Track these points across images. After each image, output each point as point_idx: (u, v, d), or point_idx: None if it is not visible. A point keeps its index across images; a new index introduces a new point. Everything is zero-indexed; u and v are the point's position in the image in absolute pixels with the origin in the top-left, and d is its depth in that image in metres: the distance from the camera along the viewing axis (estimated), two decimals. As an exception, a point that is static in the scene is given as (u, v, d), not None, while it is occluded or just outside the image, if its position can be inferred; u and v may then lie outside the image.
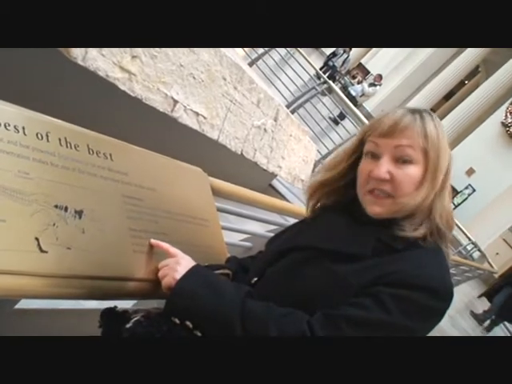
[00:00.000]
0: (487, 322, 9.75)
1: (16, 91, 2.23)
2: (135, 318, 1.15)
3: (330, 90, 8.51)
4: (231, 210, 2.07)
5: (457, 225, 10.15)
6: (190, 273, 1.10)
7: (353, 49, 16.27)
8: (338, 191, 1.23)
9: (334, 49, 15.06)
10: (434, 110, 17.75)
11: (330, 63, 15.15)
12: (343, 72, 16.00)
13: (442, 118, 15.00)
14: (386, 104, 17.48)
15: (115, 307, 1.23)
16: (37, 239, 0.99)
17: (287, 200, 5.76)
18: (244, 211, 2.23)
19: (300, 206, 2.51)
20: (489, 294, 10.07)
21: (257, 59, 8.13)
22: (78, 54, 2.76)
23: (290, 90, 8.30)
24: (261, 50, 8.13)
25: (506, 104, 15.65)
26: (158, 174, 1.40)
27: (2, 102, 1.09)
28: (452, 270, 6.83)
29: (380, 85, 16.94)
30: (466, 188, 15.39)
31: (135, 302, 1.62)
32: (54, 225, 1.03)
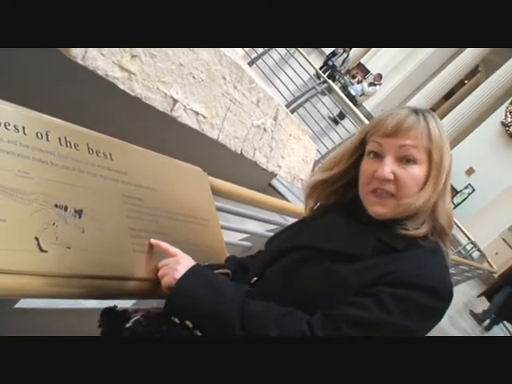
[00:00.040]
0: (487, 322, 9.75)
1: (15, 91, 2.23)
2: (135, 318, 1.15)
3: (330, 90, 8.51)
4: (231, 210, 2.07)
5: (456, 224, 10.16)
6: (190, 272, 1.10)
7: (352, 48, 16.26)
8: (338, 191, 1.23)
9: (334, 48, 15.05)
10: (433, 109, 17.70)
11: (330, 63, 15.14)
12: (343, 71, 15.99)
13: (441, 117, 14.99)
14: (386, 103, 17.48)
15: (115, 307, 1.23)
16: (37, 239, 0.99)
17: (287, 199, 5.76)
18: (243, 211, 2.23)
19: (299, 206, 2.51)
20: (488, 294, 10.06)
21: (256, 59, 8.13)
22: (77, 53, 2.76)
23: (289, 90, 8.30)
24: (260, 50, 8.13)
25: (506, 104, 15.67)
26: (158, 173, 1.40)
27: (2, 101, 1.09)
28: (451, 270, 6.83)
29: (380, 84, 16.94)
30: (466, 187, 15.40)
31: (135, 301, 1.62)
32: (53, 224, 1.03)
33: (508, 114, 15.42)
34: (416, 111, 1.13)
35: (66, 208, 1.07)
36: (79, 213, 1.10)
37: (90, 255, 1.08)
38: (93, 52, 2.84)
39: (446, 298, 1.04)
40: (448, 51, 17.96)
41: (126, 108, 3.33)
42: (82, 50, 2.77)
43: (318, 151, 7.48)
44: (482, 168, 15.18)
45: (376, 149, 1.13)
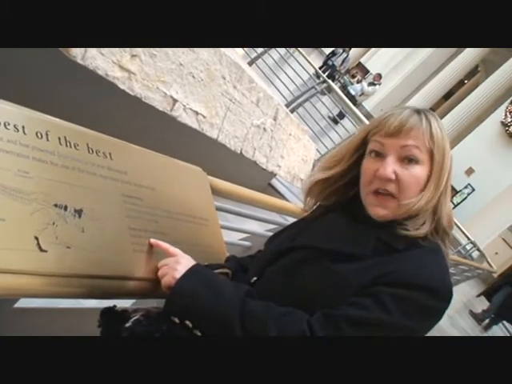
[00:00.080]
0: (486, 322, 9.75)
1: (15, 90, 2.23)
2: (135, 317, 1.15)
3: (330, 89, 8.51)
4: (230, 210, 2.07)
5: (456, 224, 10.16)
6: (190, 272, 1.10)
7: (352, 48, 16.27)
8: (339, 190, 1.23)
9: (334, 48, 15.05)
10: (433, 109, 17.66)
11: (330, 62, 15.14)
12: (342, 71, 15.99)
13: (441, 117, 14.93)
14: (386, 103, 17.50)
15: (114, 306, 1.23)
16: (36, 238, 0.99)
17: (286, 199, 5.76)
18: (243, 210, 2.23)
19: (299, 206, 2.50)
20: (488, 294, 10.07)
21: (256, 58, 8.14)
22: (77, 52, 2.76)
23: (289, 89, 8.31)
24: (260, 49, 8.13)
25: (506, 103, 15.67)
26: (158, 173, 1.40)
27: (2, 100, 1.09)
28: (451, 270, 6.83)
29: (379, 84, 16.94)
30: (466, 187, 15.40)
31: (134, 301, 1.62)
32: (53, 224, 1.03)
33: (508, 113, 15.42)
34: (418, 111, 1.13)
35: (65, 207, 1.07)
36: (79, 212, 1.10)
37: (90, 255, 1.08)
38: (92, 52, 2.84)
39: (446, 297, 1.04)
40: (447, 51, 17.97)
41: (125, 108, 3.33)
42: (82, 49, 2.77)
43: (318, 151, 7.49)
44: (481, 168, 15.18)
45: (378, 148, 1.13)
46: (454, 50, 17.61)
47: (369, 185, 1.13)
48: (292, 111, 7.41)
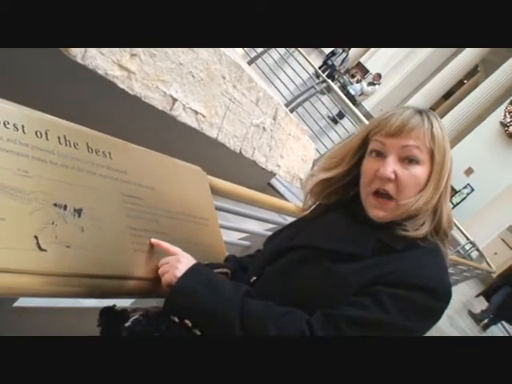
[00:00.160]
0: (485, 322, 9.75)
1: (15, 90, 2.23)
2: (134, 317, 1.15)
3: (329, 89, 8.52)
4: (230, 209, 2.07)
5: (455, 224, 10.15)
6: (191, 271, 1.10)
7: (352, 48, 16.27)
8: (339, 190, 1.23)
9: (333, 48, 15.05)
10: (433, 109, 17.60)
11: (329, 62, 15.14)
12: (342, 71, 16.00)
13: (441, 117, 14.77)
14: (385, 103, 17.50)
15: (114, 306, 1.23)
16: (36, 237, 0.99)
17: (286, 199, 5.76)
18: (243, 210, 2.23)
19: (298, 205, 2.50)
20: (487, 294, 10.07)
21: (256, 58, 8.14)
22: (77, 52, 2.76)
23: (289, 89, 8.31)
24: (260, 49, 8.13)
25: (505, 104, 15.68)
26: (157, 172, 1.40)
27: (2, 100, 1.09)
28: (450, 270, 6.84)
29: (379, 84, 16.95)
30: (465, 187, 15.41)
31: (133, 300, 1.62)
32: (53, 223, 1.03)
33: (507, 113, 15.43)
34: (420, 111, 1.13)
35: (65, 207, 1.07)
36: (78, 212, 1.10)
37: (90, 254, 1.08)
38: (92, 51, 2.84)
39: (445, 298, 1.04)
40: (447, 51, 17.97)
41: (125, 107, 3.33)
42: (82, 49, 2.77)
43: (317, 150, 7.49)
44: (480, 168, 15.19)
45: (379, 148, 1.13)
46: (453, 50, 17.61)
47: (369, 185, 1.13)
48: (291, 111, 7.41)
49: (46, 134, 1.12)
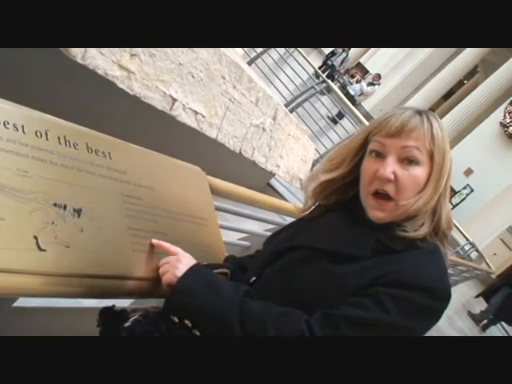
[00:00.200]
0: (484, 322, 9.75)
1: (15, 90, 2.23)
2: (133, 317, 1.15)
3: (329, 89, 8.52)
4: (229, 209, 2.08)
5: (455, 225, 10.10)
6: (191, 271, 1.10)
7: (352, 48, 16.27)
8: (339, 190, 1.23)
9: (333, 48, 15.06)
10: (432, 109, 17.72)
11: (329, 62, 15.14)
12: (342, 71, 15.99)
13: (440, 117, 14.74)
14: (385, 103, 17.52)
15: (113, 306, 1.23)
16: (35, 237, 0.99)
17: (285, 199, 5.76)
18: (242, 210, 2.23)
19: (298, 206, 2.50)
20: (486, 294, 10.07)
21: (256, 58, 8.14)
22: (77, 52, 2.76)
23: (288, 89, 8.31)
24: (260, 49, 8.13)
25: (505, 104, 15.68)
26: (157, 172, 1.40)
27: (1, 100, 1.09)
28: (450, 270, 6.85)
29: (379, 84, 16.96)
30: (464, 188, 15.42)
31: (133, 300, 1.62)
32: (52, 223, 1.03)
33: (507, 114, 15.43)
34: (420, 112, 1.13)
35: (64, 207, 1.07)
36: (78, 212, 1.10)
37: (89, 254, 1.08)
38: (92, 51, 2.84)
39: (444, 298, 1.04)
40: (447, 51, 17.98)
41: (125, 107, 3.33)
42: (82, 49, 2.77)
43: (317, 151, 7.49)
44: (480, 168, 15.19)
45: (378, 148, 1.13)
46: (453, 50, 17.62)
47: (368, 185, 1.13)
48: (291, 111, 7.41)
49: (46, 134, 1.12)
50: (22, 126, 1.08)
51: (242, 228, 2.46)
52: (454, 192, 14.91)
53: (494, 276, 12.47)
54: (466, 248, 12.49)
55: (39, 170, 1.06)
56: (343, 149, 1.23)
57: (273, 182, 6.12)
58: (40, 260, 0.98)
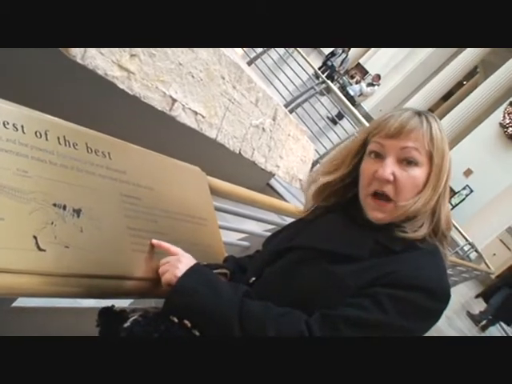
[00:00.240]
0: (483, 323, 9.75)
1: (15, 90, 2.23)
2: (133, 318, 1.15)
3: (329, 90, 8.52)
4: (229, 210, 2.08)
5: (454, 225, 10.12)
6: (191, 271, 1.10)
7: (351, 49, 16.29)
8: (339, 191, 1.23)
9: (333, 48, 15.07)
10: (432, 110, 17.78)
11: (329, 63, 15.16)
12: (342, 72, 16.01)
13: (440, 118, 14.81)
14: (384, 104, 17.53)
15: (113, 306, 1.23)
16: (35, 237, 0.98)
17: (285, 199, 5.76)
18: (242, 210, 2.23)
19: (298, 206, 2.50)
20: (485, 295, 10.07)
21: (255, 58, 8.14)
22: (76, 52, 2.76)
23: (288, 90, 8.31)
24: (259, 50, 8.13)
25: (504, 105, 15.70)
26: (156, 172, 1.40)
27: (1, 100, 1.08)
28: (449, 271, 6.85)
29: (378, 85, 16.97)
30: (464, 188, 15.43)
31: (132, 300, 1.62)
32: (52, 223, 1.03)
33: (506, 115, 15.45)
34: (419, 113, 1.13)
35: (64, 207, 1.07)
36: (78, 212, 1.10)
37: (89, 254, 1.08)
38: (92, 51, 2.84)
39: (444, 299, 1.04)
40: (447, 52, 17.98)
41: (124, 107, 3.33)
42: (82, 49, 2.77)
43: (317, 151, 7.50)
44: (480, 169, 15.20)
45: (377, 149, 1.13)
46: (453, 50, 17.63)
47: (368, 186, 1.13)
48: (291, 111, 7.42)
49: (46, 134, 1.12)
50: (22, 126, 1.08)
51: (241, 228, 2.46)
52: (453, 192, 14.92)
53: (493, 276, 12.49)
54: (466, 248, 12.49)
55: (39, 170, 1.06)
56: (343, 150, 1.23)
57: (272, 182, 6.12)
58: (39, 260, 0.98)
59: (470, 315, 10.05)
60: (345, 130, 8.56)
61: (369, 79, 17.71)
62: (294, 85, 8.43)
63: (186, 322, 1.06)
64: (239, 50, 7.57)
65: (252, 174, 5.16)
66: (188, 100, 3.70)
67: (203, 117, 3.93)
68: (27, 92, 2.58)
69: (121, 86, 3.12)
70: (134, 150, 1.37)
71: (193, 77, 3.66)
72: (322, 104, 8.70)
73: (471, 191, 15.40)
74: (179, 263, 1.13)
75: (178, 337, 1.06)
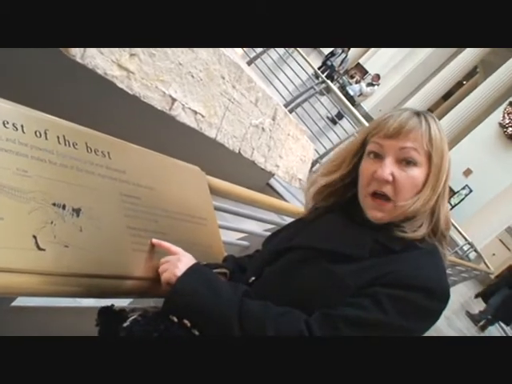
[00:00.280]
0: (482, 323, 9.76)
1: (15, 90, 2.23)
2: (132, 317, 1.15)
3: (328, 90, 8.52)
4: (229, 209, 2.08)
5: (453, 225, 10.16)
6: (191, 270, 1.10)
7: (351, 48, 16.28)
8: (338, 191, 1.23)
9: (333, 48, 15.07)
10: (432, 110, 17.79)
11: (329, 63, 15.16)
12: (341, 72, 16.01)
13: (440, 118, 14.94)
14: (384, 104, 17.53)
15: (112, 305, 1.23)
16: (34, 237, 0.99)
17: (284, 199, 5.77)
18: (241, 210, 2.23)
19: (297, 206, 2.50)
20: (484, 295, 10.08)
21: (255, 58, 8.14)
22: (76, 51, 2.76)
23: (288, 89, 8.31)
24: (259, 49, 8.13)
25: (504, 105, 15.70)
26: (156, 172, 1.40)
27: (1, 99, 1.09)
28: (448, 271, 6.85)
29: (378, 85, 16.97)
30: (463, 188, 15.43)
31: (132, 300, 1.62)
32: (51, 223, 1.03)
33: (506, 115, 15.45)
34: (418, 113, 1.13)
35: (64, 206, 1.07)
36: (77, 211, 1.10)
37: (88, 254, 1.08)
38: (92, 50, 2.83)
39: (443, 299, 1.04)
40: (446, 52, 17.98)
41: (124, 106, 3.33)
42: (81, 48, 2.77)
43: (316, 151, 7.50)
44: (479, 169, 15.21)
45: (376, 149, 1.13)
46: (453, 50, 17.63)
47: (367, 186, 1.13)
48: (291, 111, 7.42)
49: (45, 133, 1.12)
50: (22, 126, 1.08)
51: (241, 228, 2.46)
52: (453, 192, 14.92)
53: (492, 276, 12.49)
54: (465, 248, 12.49)
55: (38, 170, 1.06)
56: (342, 151, 1.24)
57: (272, 182, 6.12)
58: (39, 259, 0.98)
59: (470, 315, 10.06)
60: (344, 129, 8.56)
61: (368, 79, 17.70)
62: (294, 84, 8.43)
63: (186, 321, 1.06)
64: (239, 50, 7.57)
65: (251, 173, 5.16)
66: (188, 99, 3.70)
67: (203, 116, 3.93)
68: (27, 92, 2.58)
69: (120, 86, 3.12)
70: (133, 149, 1.37)
71: (192, 76, 3.66)
72: (322, 104, 8.70)
73: (471, 191, 15.40)
74: (179, 262, 1.13)
75: (177, 336, 1.06)
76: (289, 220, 1.87)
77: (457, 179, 14.88)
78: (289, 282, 1.11)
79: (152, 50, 3.22)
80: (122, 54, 3.03)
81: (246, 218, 2.40)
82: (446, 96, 19.84)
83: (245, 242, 2.47)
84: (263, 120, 4.87)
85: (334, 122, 9.26)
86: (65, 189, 1.10)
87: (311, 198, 1.27)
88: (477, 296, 10.37)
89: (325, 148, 8.08)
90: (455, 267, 8.08)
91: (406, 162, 1.09)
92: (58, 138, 1.15)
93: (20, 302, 1.67)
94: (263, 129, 4.93)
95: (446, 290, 1.05)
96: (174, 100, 3.57)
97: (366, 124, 7.41)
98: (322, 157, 7.82)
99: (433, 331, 1.09)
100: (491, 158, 15.11)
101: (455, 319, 9.08)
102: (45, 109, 1.18)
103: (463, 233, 11.53)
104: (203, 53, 3.67)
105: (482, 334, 9.36)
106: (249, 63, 7.71)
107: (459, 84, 19.80)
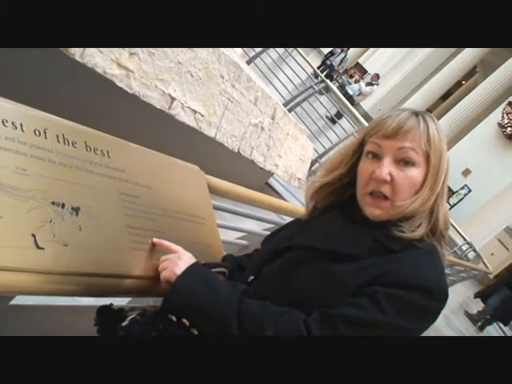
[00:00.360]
0: (481, 323, 9.76)
1: (15, 90, 2.23)
2: (131, 316, 1.15)
3: (328, 89, 8.52)
4: (228, 208, 2.08)
5: (452, 225, 10.17)
6: (190, 269, 1.10)
7: (350, 48, 16.28)
8: (337, 191, 1.24)
9: (332, 48, 15.06)
10: (430, 110, 17.80)
11: (328, 62, 15.17)
12: (341, 71, 16.02)
13: (438, 118, 15.01)
14: (383, 103, 17.52)
15: (111, 305, 1.23)
16: (33, 236, 0.99)
17: (284, 198, 5.76)
18: (240, 209, 2.24)
19: (296, 205, 2.50)
20: (483, 295, 10.09)
21: (255, 57, 8.13)
22: (75, 50, 2.76)
23: (287, 89, 8.31)
24: (259, 49, 8.13)
25: (503, 105, 15.70)
26: (155, 171, 1.40)
27: (0, 98, 1.08)
28: (447, 270, 6.85)
29: (377, 84, 16.99)
30: (462, 188, 15.43)
31: (131, 299, 1.62)
32: (50, 221, 1.03)
33: (505, 115, 15.45)
34: (416, 113, 1.13)
35: (63, 205, 1.07)
36: (76, 210, 1.10)
37: (87, 253, 1.08)
38: (91, 49, 2.83)
39: (441, 298, 1.04)
40: (446, 52, 17.97)
41: (123, 105, 3.33)
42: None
43: (316, 150, 7.50)
44: (478, 169, 15.20)
45: (375, 150, 1.13)
46: (452, 50, 17.62)
47: (365, 186, 1.13)
48: (290, 110, 7.42)
49: (45, 132, 1.12)
50: (21, 125, 1.08)
51: (240, 227, 2.47)
52: (451, 192, 14.93)
53: (491, 276, 12.51)
54: (464, 248, 12.50)
55: (38, 169, 1.06)
56: (341, 151, 1.24)
57: (271, 181, 6.12)
58: (38, 258, 0.98)
59: (468, 315, 10.06)
60: (344, 129, 8.56)
61: (368, 79, 17.72)
62: (293, 84, 8.43)
63: (185, 320, 1.06)
64: (238, 49, 7.56)
65: (251, 172, 5.16)
66: (187, 99, 3.70)
67: (202, 115, 3.93)
68: (27, 92, 2.58)
69: (120, 85, 3.12)
70: (132, 148, 1.37)
71: (192, 75, 3.66)
72: (321, 103, 8.69)
73: (469, 191, 15.40)
74: (179, 261, 1.13)
75: (176, 335, 1.06)
76: (288, 219, 1.88)
77: (456, 179, 14.88)
78: (288, 282, 1.11)
79: (151, 49, 3.22)
80: (121, 53, 3.03)
81: (245, 218, 2.40)
82: (446, 96, 19.85)
83: (244, 241, 2.47)
84: (262, 119, 4.88)
85: (333, 122, 9.27)
86: (64, 187, 1.10)
87: (310, 198, 1.27)
88: (476, 296, 10.37)
89: (324, 147, 8.08)
90: (454, 267, 8.09)
91: (404, 162, 1.09)
92: (58, 136, 1.15)
93: (19, 300, 1.67)
94: (262, 128, 4.93)
95: (444, 289, 1.05)
96: (173, 99, 3.57)
97: (365, 123, 7.43)
98: (321, 156, 7.82)
99: (431, 331, 1.09)
100: (490, 158, 15.11)
101: (454, 319, 9.08)
102: (44, 108, 1.18)
103: (462, 233, 11.54)
104: (202, 52, 3.67)
105: (480, 334, 9.37)
106: (248, 62, 7.71)
107: (458, 84, 19.81)
